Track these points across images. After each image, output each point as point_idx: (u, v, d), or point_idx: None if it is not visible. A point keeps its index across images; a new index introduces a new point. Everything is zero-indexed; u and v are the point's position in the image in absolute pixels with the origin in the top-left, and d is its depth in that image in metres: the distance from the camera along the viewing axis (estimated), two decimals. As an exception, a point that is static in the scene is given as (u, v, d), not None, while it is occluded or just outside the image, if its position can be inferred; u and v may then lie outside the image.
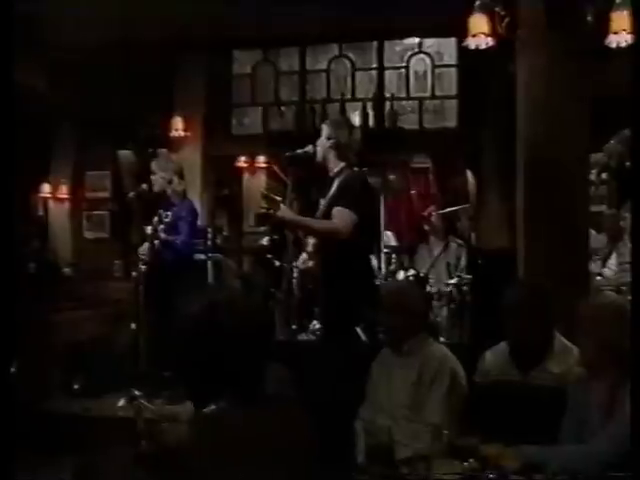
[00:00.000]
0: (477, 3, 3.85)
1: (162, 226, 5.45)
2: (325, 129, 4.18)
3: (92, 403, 5.49)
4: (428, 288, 5.13)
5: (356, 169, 4.12)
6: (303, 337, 5.17)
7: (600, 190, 7.12)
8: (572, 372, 3.04)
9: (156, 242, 5.46)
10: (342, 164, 4.07)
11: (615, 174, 7.12)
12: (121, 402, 5.42)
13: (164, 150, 7.98)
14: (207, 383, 1.90)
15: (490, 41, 3.86)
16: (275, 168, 4.17)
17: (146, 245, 5.53)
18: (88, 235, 9.13)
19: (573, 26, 3.66)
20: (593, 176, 6.80)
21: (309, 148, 4.24)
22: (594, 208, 6.00)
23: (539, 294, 3.23)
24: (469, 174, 7.12)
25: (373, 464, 2.58)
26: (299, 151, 4.25)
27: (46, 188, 8.81)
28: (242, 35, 6.93)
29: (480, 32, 3.78)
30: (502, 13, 3.80)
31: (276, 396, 1.92)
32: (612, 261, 5.84)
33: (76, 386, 5.85)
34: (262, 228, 8.58)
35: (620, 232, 6.21)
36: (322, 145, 4.14)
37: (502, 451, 2.52)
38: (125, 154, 8.94)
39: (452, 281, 5.19)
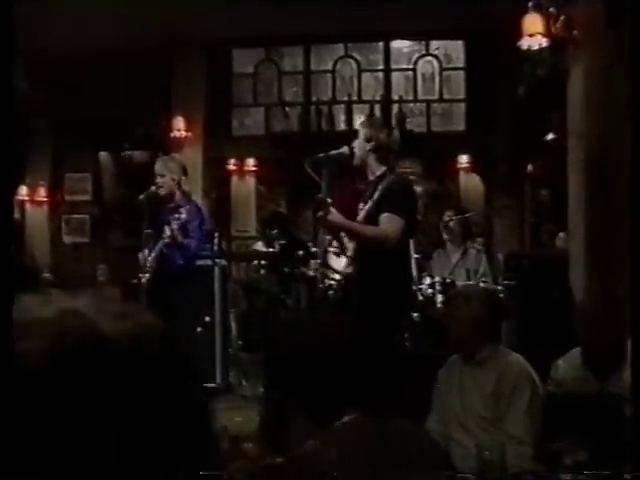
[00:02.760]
0: (531, 3, 3.76)
1: (175, 228, 5.18)
2: (363, 130, 4.06)
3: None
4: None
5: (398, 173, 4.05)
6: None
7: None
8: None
9: (163, 247, 5.21)
10: (383, 168, 3.98)
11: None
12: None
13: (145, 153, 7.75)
14: (334, 397, 1.80)
15: (544, 41, 3.78)
16: (309, 169, 3.99)
17: (146, 251, 5.28)
18: (67, 240, 8.79)
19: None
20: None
21: (344, 149, 4.11)
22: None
23: (614, 299, 3.16)
24: (477, 179, 7.05)
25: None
26: (333, 152, 4.12)
27: (23, 190, 8.43)
28: (244, 33, 6.72)
29: (536, 32, 3.68)
30: (556, 13, 3.71)
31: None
32: None
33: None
34: (249, 233, 8.48)
35: None
36: (361, 147, 4.02)
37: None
38: (106, 156, 8.65)
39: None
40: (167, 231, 5.01)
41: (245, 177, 8.39)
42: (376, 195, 3.90)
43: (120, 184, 8.62)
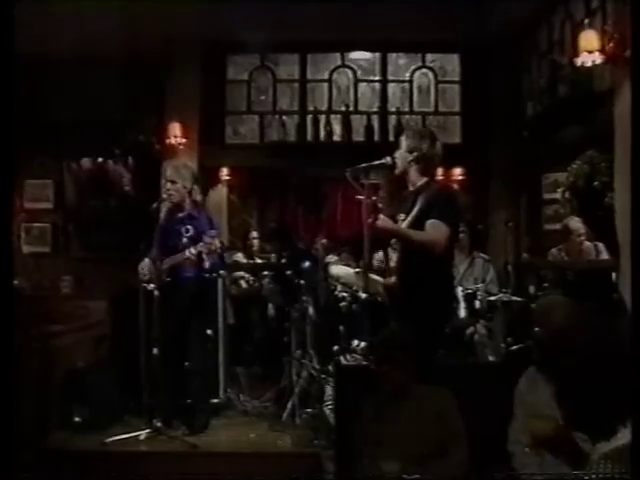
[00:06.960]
0: (587, 20, 3.84)
1: (185, 241, 5.04)
2: (406, 140, 4.05)
3: (102, 437, 4.90)
4: (477, 304, 5.07)
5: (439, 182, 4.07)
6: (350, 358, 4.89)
7: (566, 208, 7.40)
8: None
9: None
10: (425, 179, 3.98)
11: (578, 193, 7.39)
12: (142, 435, 4.89)
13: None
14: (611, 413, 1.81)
15: (599, 58, 3.86)
16: (350, 179, 3.98)
17: (147, 262, 5.05)
18: (26, 249, 8.33)
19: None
20: (559, 195, 7.08)
21: (387, 160, 4.09)
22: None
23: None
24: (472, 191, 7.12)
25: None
26: (375, 162, 4.10)
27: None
28: (238, 40, 6.57)
29: (594, 49, 3.76)
30: (611, 31, 3.81)
31: None
32: None
33: (77, 419, 5.21)
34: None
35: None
36: (403, 157, 4.02)
37: None
38: (71, 162, 8.28)
39: (495, 297, 5.18)
40: (187, 254, 4.82)
41: (218, 186, 8.17)
42: (419, 205, 3.89)
43: (86, 192, 8.26)
